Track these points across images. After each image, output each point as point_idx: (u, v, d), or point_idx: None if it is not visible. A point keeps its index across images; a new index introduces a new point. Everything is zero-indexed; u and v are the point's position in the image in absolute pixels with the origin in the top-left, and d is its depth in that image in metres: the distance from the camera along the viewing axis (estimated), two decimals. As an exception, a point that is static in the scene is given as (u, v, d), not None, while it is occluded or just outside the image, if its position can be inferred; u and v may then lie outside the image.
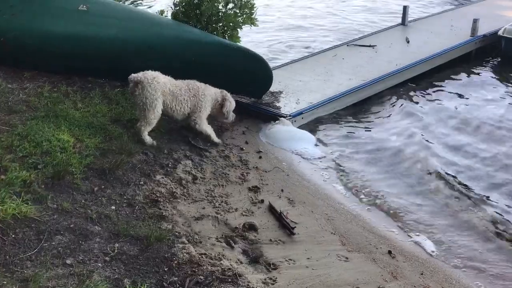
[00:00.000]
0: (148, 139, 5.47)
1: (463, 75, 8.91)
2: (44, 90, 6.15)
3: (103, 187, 4.66)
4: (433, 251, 4.42)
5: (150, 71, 5.49)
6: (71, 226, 3.98)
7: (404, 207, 5.08)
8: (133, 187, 4.76)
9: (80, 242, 3.80)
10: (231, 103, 5.90)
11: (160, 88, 5.38)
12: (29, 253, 3.59)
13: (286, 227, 4.42)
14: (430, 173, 5.64)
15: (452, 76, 8.83)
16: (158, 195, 4.69)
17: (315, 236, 4.37)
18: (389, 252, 4.25)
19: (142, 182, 4.85)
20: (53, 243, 3.73)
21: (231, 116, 6.00)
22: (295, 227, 4.42)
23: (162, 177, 5.01)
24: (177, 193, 4.80)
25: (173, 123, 5.93)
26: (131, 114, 5.95)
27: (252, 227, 4.41)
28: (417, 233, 4.66)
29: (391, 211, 4.98)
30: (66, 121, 5.50)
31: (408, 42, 9.57)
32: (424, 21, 11.00)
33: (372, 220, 4.77)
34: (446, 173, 5.68)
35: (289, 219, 4.54)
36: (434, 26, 10.46)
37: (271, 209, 4.70)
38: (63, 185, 4.49)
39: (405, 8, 10.63)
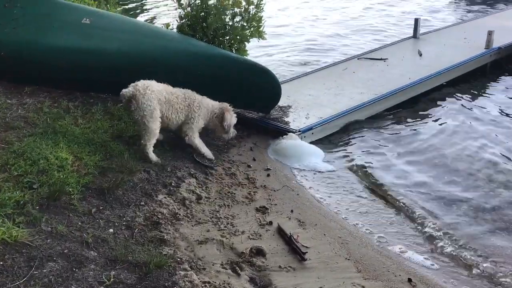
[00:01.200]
0: (153, 156, 5.21)
1: (479, 89, 8.58)
2: (44, 106, 5.94)
3: (101, 208, 4.38)
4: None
5: (141, 81, 5.19)
6: (65, 251, 3.69)
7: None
8: (133, 208, 4.48)
9: (74, 269, 3.51)
10: (231, 116, 5.60)
11: (156, 96, 5.12)
12: (18, 282, 3.31)
13: (296, 252, 4.10)
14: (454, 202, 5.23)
15: (469, 90, 8.50)
16: (159, 216, 4.40)
17: (328, 262, 4.04)
18: (409, 280, 3.90)
19: (143, 203, 4.57)
20: (44, 270, 3.44)
21: (232, 132, 5.69)
22: (307, 252, 4.10)
23: (165, 197, 4.73)
24: (179, 214, 4.51)
25: (178, 139, 5.66)
26: (133, 130, 5.69)
27: (260, 252, 4.10)
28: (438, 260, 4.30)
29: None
30: (65, 137, 5.26)
31: (420, 55, 9.29)
32: (436, 34, 10.73)
33: (389, 243, 4.43)
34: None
35: (300, 243, 4.22)
36: (447, 39, 10.18)
37: (280, 231, 4.39)
38: (59, 206, 4.22)
39: (416, 21, 10.36)
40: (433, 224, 4.75)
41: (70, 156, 4.93)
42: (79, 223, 4.11)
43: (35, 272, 3.41)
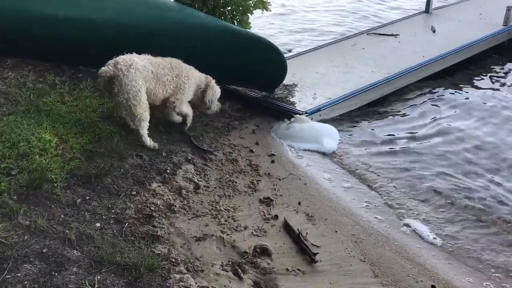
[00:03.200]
0: (149, 141, 4.71)
1: (496, 68, 8.06)
2: (28, 81, 5.41)
3: (88, 198, 3.92)
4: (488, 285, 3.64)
5: (121, 56, 4.53)
6: (44, 250, 3.24)
7: (449, 228, 4.27)
8: (123, 198, 4.02)
9: (53, 273, 3.07)
10: (215, 91, 5.13)
11: (141, 75, 4.51)
12: (-13, 289, 2.87)
13: (306, 252, 3.66)
14: (473, 199, 4.71)
15: (484, 70, 7.98)
16: (152, 208, 3.95)
17: (341, 265, 3.61)
18: (433, 287, 3.48)
19: (135, 192, 4.11)
20: (19, 274, 3.00)
21: (215, 106, 5.21)
22: (317, 252, 3.66)
23: (159, 186, 4.27)
24: (175, 206, 4.06)
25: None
26: (125, 109, 5.19)
27: (264, 252, 3.66)
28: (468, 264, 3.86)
29: (433, 233, 4.16)
30: (49, 117, 4.77)
31: (434, 31, 8.72)
32: (450, 9, 10.12)
33: (409, 243, 3.99)
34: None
35: (309, 241, 3.78)
36: (461, 15, 9.59)
37: (287, 227, 3.94)
38: (39, 195, 3.76)
39: (429, -6, 9.74)
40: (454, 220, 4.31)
41: (54, 138, 4.45)
42: (62, 216, 3.65)
43: (7, 276, 2.97)
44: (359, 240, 3.89)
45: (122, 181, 4.20)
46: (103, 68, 4.42)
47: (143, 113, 4.59)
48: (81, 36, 5.67)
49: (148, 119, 4.69)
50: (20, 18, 5.64)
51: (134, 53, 4.72)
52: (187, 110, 5.07)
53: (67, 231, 3.46)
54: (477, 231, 4.24)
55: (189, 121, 5.14)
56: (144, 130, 4.67)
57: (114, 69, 4.42)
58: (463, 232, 4.19)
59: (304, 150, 5.37)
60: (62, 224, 3.57)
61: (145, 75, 4.55)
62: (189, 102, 5.10)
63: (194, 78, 4.99)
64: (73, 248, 3.33)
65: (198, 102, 5.16)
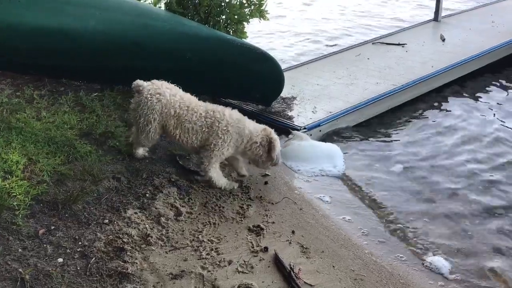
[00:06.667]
0: (139, 153, 4.45)
1: (509, 79, 7.55)
2: (3, 95, 5.03)
3: (53, 228, 3.48)
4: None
5: (161, 82, 4.21)
6: (-10, 294, 2.80)
7: (466, 261, 3.76)
8: (93, 227, 3.57)
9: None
10: (278, 143, 4.27)
11: (160, 108, 4.09)
12: None
13: (297, 293, 3.18)
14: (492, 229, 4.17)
15: (497, 80, 7.48)
16: (125, 240, 3.50)
17: (337, 308, 3.13)
18: (445, 337, 2.99)
19: (107, 220, 3.66)
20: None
21: (280, 159, 4.36)
22: (310, 293, 3.18)
23: (135, 213, 3.82)
24: (152, 236, 3.60)
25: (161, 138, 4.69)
26: (106, 125, 4.78)
27: (249, 292, 3.19)
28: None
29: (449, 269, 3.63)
30: (20, 135, 4.37)
31: (443, 40, 8.27)
32: (460, 17, 9.67)
33: (417, 281, 3.48)
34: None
35: (302, 279, 3.29)
36: (472, 23, 9.14)
37: (278, 262, 3.46)
38: (-3, 226, 3.33)
39: (438, 2, 9.27)
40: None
41: (23, 159, 4.04)
42: (20, 250, 3.22)
43: None
44: (359, 278, 3.40)
45: (94, 207, 3.76)
46: (138, 81, 4.22)
47: (144, 142, 4.33)
48: (63, 47, 5.31)
49: (144, 147, 4.45)
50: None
51: (174, 85, 4.28)
52: (216, 176, 4.20)
53: (21, 269, 3.01)
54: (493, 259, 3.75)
55: (222, 184, 4.26)
56: (138, 147, 4.43)
57: (142, 86, 4.18)
58: (480, 264, 3.68)
59: (302, 170, 4.90)
60: (18, 260, 3.13)
61: (165, 110, 4.11)
62: (246, 157, 4.35)
63: (236, 131, 4.13)
64: (26, 291, 2.89)
65: (256, 159, 4.27)
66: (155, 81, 4.24)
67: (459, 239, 4.02)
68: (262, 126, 4.29)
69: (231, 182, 4.35)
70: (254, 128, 4.21)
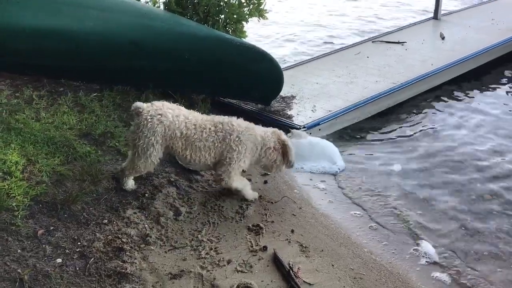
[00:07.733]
0: (129, 184, 4.04)
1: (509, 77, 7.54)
2: (2, 96, 5.01)
3: (52, 228, 3.48)
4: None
5: (161, 102, 3.96)
6: (-10, 294, 2.81)
7: (465, 261, 3.74)
8: (93, 227, 3.57)
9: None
10: (292, 146, 4.16)
11: (163, 130, 3.82)
12: None
13: (296, 292, 3.18)
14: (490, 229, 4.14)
15: (497, 78, 7.46)
16: (124, 240, 3.50)
17: (336, 307, 3.13)
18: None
19: (106, 221, 3.67)
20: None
21: (294, 162, 4.24)
22: (309, 293, 3.18)
23: (135, 212, 3.82)
24: (151, 236, 3.60)
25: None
26: (105, 125, 4.78)
27: (248, 291, 3.18)
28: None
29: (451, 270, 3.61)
30: (20, 136, 4.36)
31: (443, 38, 8.25)
32: (459, 15, 9.64)
33: (416, 279, 3.47)
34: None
35: (301, 278, 3.29)
36: (472, 20, 9.11)
37: (277, 261, 3.46)
38: (-4, 227, 3.33)
39: (438, 0, 9.26)
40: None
41: (22, 160, 4.03)
42: (19, 251, 3.22)
43: None
44: (358, 276, 3.39)
45: (93, 207, 3.76)
46: (138, 103, 3.92)
47: (142, 169, 3.94)
48: (61, 47, 5.30)
49: (139, 174, 4.07)
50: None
51: (176, 105, 4.06)
52: (239, 185, 4.07)
53: (19, 270, 3.01)
54: (495, 264, 3.73)
55: (248, 194, 4.16)
56: (129, 177, 4.04)
57: (141, 109, 3.87)
58: (480, 266, 3.67)
59: (301, 169, 4.90)
60: (17, 260, 3.13)
61: (169, 132, 3.83)
62: (261, 165, 4.22)
63: (250, 140, 3.98)
64: (25, 291, 2.89)
65: (270, 164, 4.15)
66: (155, 102, 3.98)
67: (459, 237, 4.02)
68: (270, 129, 4.17)
69: (254, 192, 4.20)
70: (265, 133, 4.09)
